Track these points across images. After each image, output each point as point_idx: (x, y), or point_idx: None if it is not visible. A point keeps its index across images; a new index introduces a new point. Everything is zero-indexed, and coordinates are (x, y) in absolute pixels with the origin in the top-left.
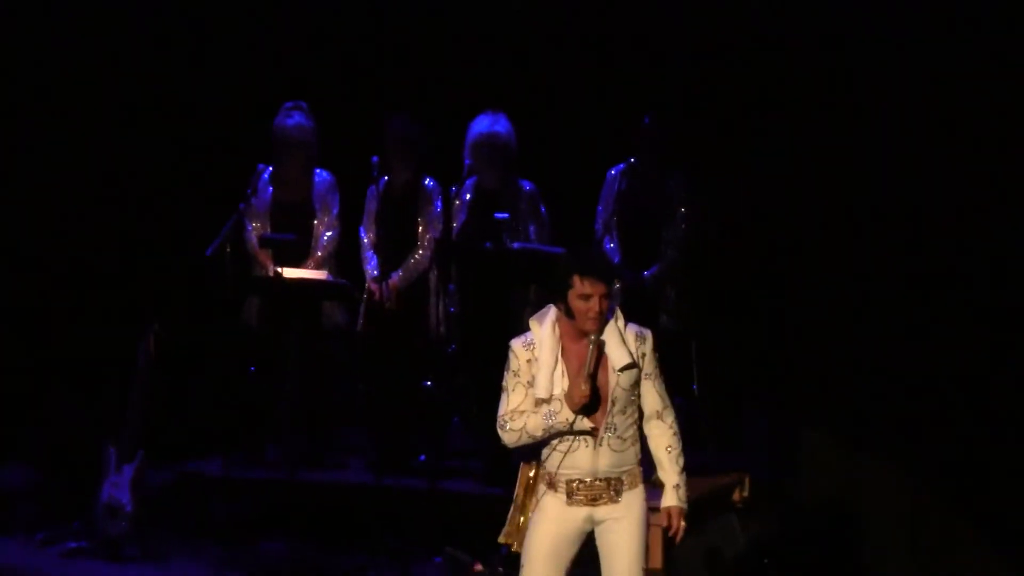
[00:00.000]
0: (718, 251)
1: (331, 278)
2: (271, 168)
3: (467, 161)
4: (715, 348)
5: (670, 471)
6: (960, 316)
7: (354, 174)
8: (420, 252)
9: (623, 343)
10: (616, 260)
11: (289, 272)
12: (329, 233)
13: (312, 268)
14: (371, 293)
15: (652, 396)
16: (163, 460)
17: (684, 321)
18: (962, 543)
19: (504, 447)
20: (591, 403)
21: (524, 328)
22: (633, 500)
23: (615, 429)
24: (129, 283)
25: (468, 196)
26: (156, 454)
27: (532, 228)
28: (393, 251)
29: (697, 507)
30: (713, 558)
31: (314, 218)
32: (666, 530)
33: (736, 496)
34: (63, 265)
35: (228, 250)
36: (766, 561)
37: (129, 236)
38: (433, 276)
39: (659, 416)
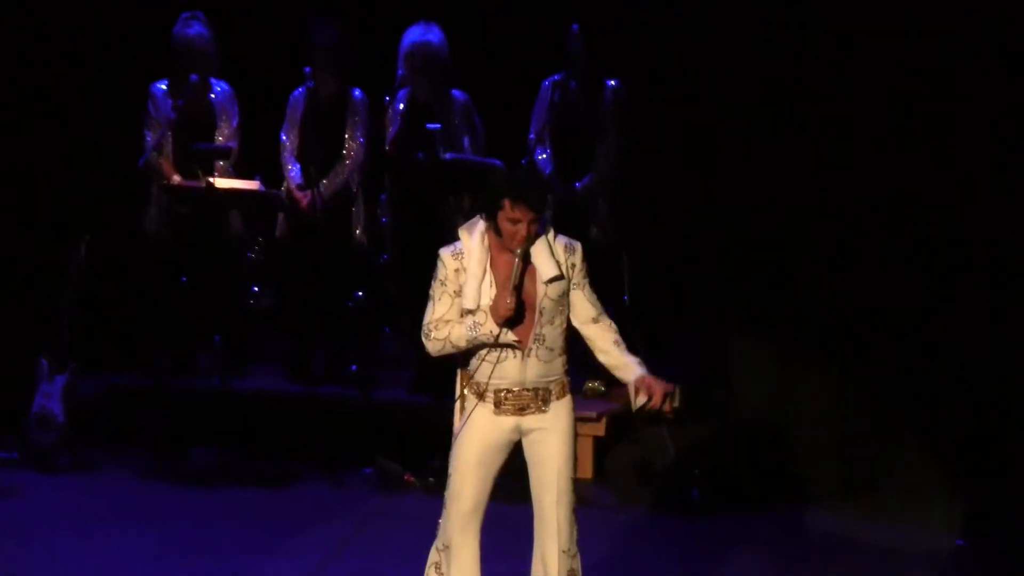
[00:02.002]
0: (650, 163)
1: (263, 187)
2: (166, 80)
3: (399, 72)
4: (646, 259)
5: (626, 356)
6: (890, 219)
7: (269, 83)
8: (347, 162)
9: (551, 255)
10: (548, 171)
11: (221, 182)
12: (230, 144)
13: (217, 176)
14: (294, 200)
15: (584, 304)
16: (93, 371)
17: (614, 232)
18: (894, 451)
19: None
20: (515, 316)
21: (453, 237)
22: (561, 410)
23: (543, 340)
24: (60, 194)
25: (401, 106)
26: (87, 365)
27: (466, 139)
28: (317, 159)
29: (627, 419)
30: (644, 469)
31: (215, 128)
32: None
33: (667, 407)
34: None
35: (161, 160)
36: (696, 472)
37: (58, 147)
38: (355, 184)
39: (595, 320)
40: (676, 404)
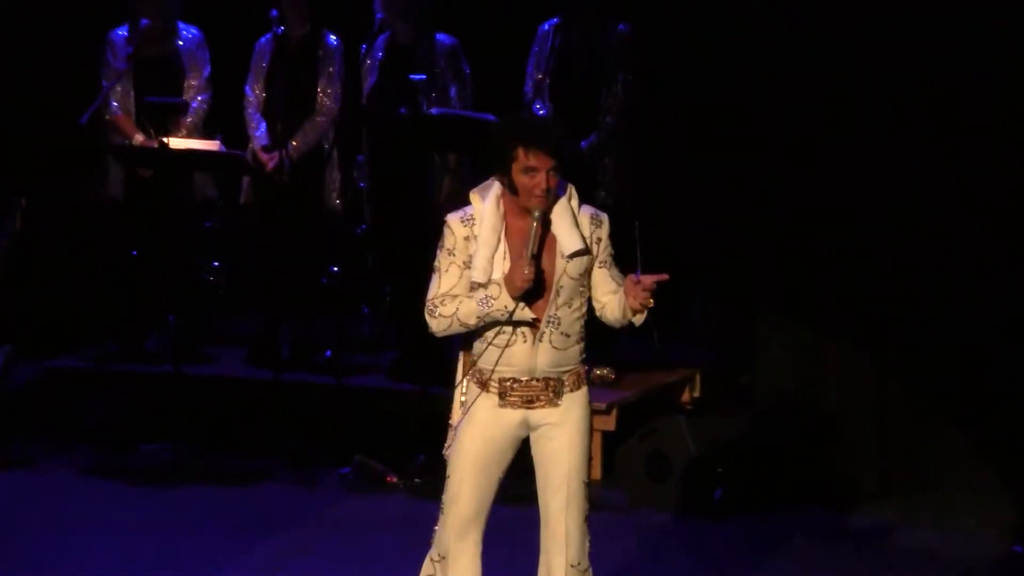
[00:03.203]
0: (662, 119)
1: (223, 148)
2: (127, 25)
3: (378, 15)
4: (659, 226)
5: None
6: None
7: (237, 28)
8: (319, 118)
9: (575, 226)
10: None
11: (176, 142)
12: (201, 97)
13: (184, 135)
14: (259, 162)
15: (606, 284)
16: (30, 354)
17: (625, 196)
18: (938, 447)
19: (430, 336)
20: (534, 289)
21: (444, 204)
22: (574, 404)
23: (558, 323)
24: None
25: (379, 55)
26: (22, 347)
27: (453, 89)
28: (285, 115)
29: (641, 408)
30: (659, 466)
31: (182, 79)
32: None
33: (685, 396)
34: None
35: (107, 117)
36: (719, 469)
37: None
38: (329, 144)
39: (613, 293)
40: (696, 394)
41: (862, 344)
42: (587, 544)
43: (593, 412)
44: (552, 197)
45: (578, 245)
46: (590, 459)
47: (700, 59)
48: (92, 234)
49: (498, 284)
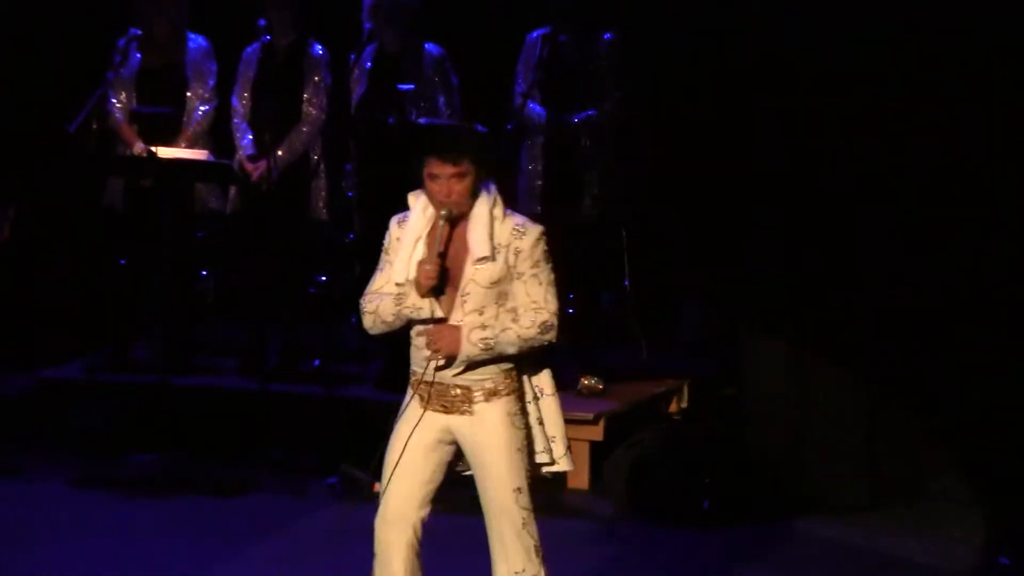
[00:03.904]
0: (650, 128)
1: (212, 157)
2: (138, 32)
3: (366, 25)
4: (646, 236)
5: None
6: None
7: (233, 40)
8: (304, 127)
9: (489, 233)
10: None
11: (164, 151)
12: (204, 107)
13: (185, 145)
14: (245, 172)
15: (519, 299)
16: (17, 364)
17: (612, 207)
18: (926, 458)
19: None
20: (440, 289)
21: None
22: (487, 415)
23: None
24: None
25: (368, 64)
26: (9, 357)
27: (441, 99)
28: (271, 125)
29: (628, 419)
30: (646, 476)
31: (187, 89)
32: None
33: (673, 407)
34: None
35: (94, 126)
36: (707, 480)
37: None
38: (316, 154)
39: (529, 309)
40: (683, 404)
41: (850, 356)
42: (532, 551)
43: (580, 422)
44: (467, 202)
45: (483, 252)
46: (529, 467)
47: (687, 67)
48: (84, 243)
49: (411, 283)
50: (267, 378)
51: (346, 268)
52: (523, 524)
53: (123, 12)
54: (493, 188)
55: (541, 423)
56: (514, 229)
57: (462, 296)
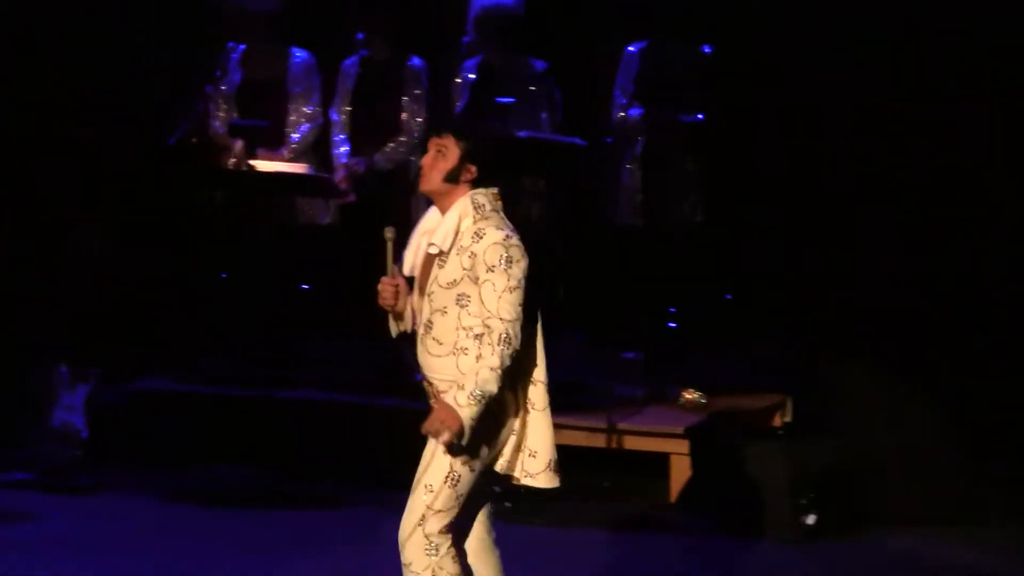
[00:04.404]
0: (744, 142)
1: (311, 171)
2: (243, 47)
3: (465, 39)
4: (743, 249)
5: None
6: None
7: (334, 54)
8: (402, 138)
9: (454, 229)
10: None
11: (262, 164)
12: (308, 124)
13: (289, 159)
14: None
15: (478, 305)
16: (115, 378)
17: (710, 217)
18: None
19: None
20: (396, 304)
21: (528, 225)
22: (437, 409)
23: (431, 327)
24: (77, 176)
25: (471, 76)
26: (109, 372)
27: (544, 115)
28: (370, 137)
29: (732, 432)
30: (750, 492)
31: (289, 103)
32: None
33: (776, 421)
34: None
35: (194, 140)
36: (811, 495)
37: (77, 123)
38: (415, 168)
39: (477, 338)
40: (787, 418)
41: (943, 373)
42: (423, 553)
43: (670, 435)
44: (439, 183)
45: (436, 241)
46: (452, 465)
47: (778, 82)
48: (183, 255)
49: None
50: (368, 392)
51: None
52: (421, 519)
53: (219, 26)
54: (482, 192)
55: (520, 436)
56: (475, 233)
57: (429, 293)
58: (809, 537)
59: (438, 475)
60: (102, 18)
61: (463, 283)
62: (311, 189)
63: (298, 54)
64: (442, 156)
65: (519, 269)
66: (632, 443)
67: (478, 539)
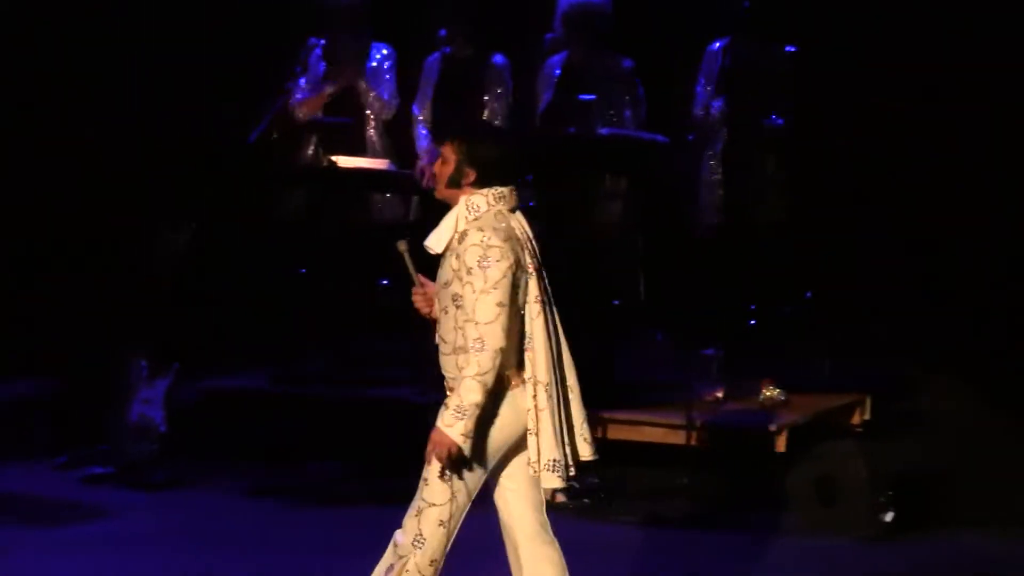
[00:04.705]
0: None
1: (393, 167)
2: (324, 42)
3: (548, 35)
4: (828, 247)
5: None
6: None
7: (417, 48)
8: None
9: (449, 230)
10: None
11: (345, 161)
12: (385, 117)
13: (369, 155)
14: (422, 174)
15: (460, 306)
16: (196, 373)
17: (792, 216)
18: None
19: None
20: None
21: (608, 223)
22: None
23: (439, 327)
24: (158, 174)
25: (556, 72)
26: (187, 367)
27: (627, 112)
28: (454, 136)
29: (809, 430)
30: (827, 490)
31: (367, 98)
32: None
33: (856, 419)
34: (80, 155)
35: (274, 136)
36: (890, 493)
37: (156, 122)
38: None
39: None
40: (866, 416)
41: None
42: (412, 538)
43: (754, 433)
44: (443, 188)
45: (431, 243)
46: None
47: (868, 81)
48: (264, 253)
49: None
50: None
51: None
52: (417, 512)
53: (300, 22)
54: (482, 194)
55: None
56: (462, 234)
57: (436, 294)
58: (887, 535)
59: (432, 467)
60: (183, 16)
61: (454, 284)
62: (392, 185)
63: (378, 49)
64: (444, 163)
65: (497, 271)
66: (711, 440)
67: (533, 533)
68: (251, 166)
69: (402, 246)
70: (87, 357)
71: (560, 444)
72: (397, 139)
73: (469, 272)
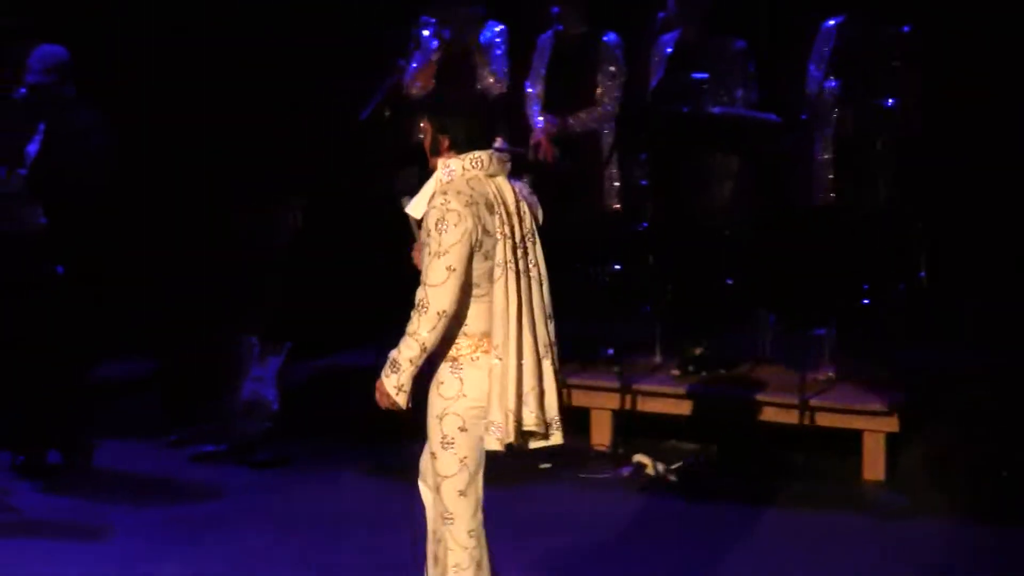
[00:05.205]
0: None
1: (504, 145)
2: (435, 20)
3: (661, 14)
4: (939, 230)
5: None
6: None
7: (530, 26)
8: (599, 110)
9: (426, 195)
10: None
11: None
12: (496, 93)
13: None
14: (536, 147)
15: None
16: (305, 353)
17: (906, 197)
18: None
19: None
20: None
21: (720, 204)
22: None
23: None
24: (268, 152)
25: (668, 51)
26: (298, 345)
27: (739, 92)
28: (565, 112)
29: (925, 411)
30: (941, 468)
31: (480, 74)
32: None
33: (972, 397)
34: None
35: (387, 113)
36: (1005, 473)
37: (267, 99)
38: (608, 142)
39: None
40: (984, 394)
41: None
42: (440, 516)
43: (875, 414)
44: (428, 159)
45: (411, 205)
46: (445, 434)
47: (983, 61)
48: (376, 232)
49: None
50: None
51: (638, 258)
52: (437, 488)
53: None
54: (458, 159)
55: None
56: (431, 195)
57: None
58: (1002, 515)
59: (435, 441)
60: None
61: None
62: None
63: (490, 28)
64: (424, 136)
65: (452, 235)
66: (825, 420)
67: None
68: (363, 143)
69: (406, 202)
70: (197, 336)
71: (503, 408)
72: (510, 118)
73: (428, 234)
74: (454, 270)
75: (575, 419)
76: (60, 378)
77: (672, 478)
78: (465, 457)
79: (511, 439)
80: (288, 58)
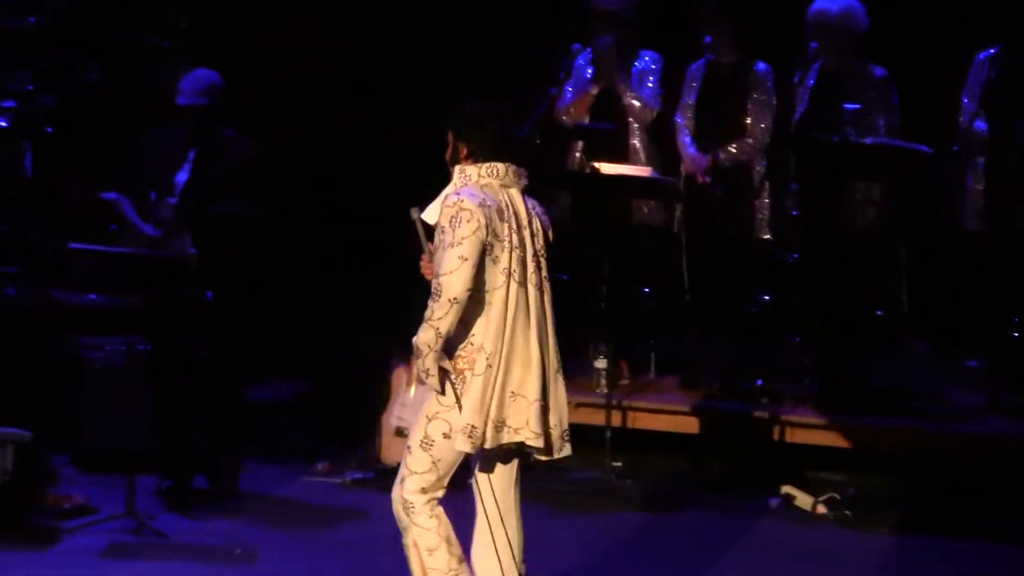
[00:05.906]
0: None
1: (656, 175)
2: (588, 49)
3: (812, 44)
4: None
5: None
6: None
7: (681, 56)
8: (749, 140)
9: (438, 202)
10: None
11: (607, 167)
12: (647, 120)
13: (632, 163)
14: (690, 176)
15: None
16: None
17: (989, 223)
18: None
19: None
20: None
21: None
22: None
23: None
24: (421, 171)
25: (811, 82)
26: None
27: (880, 121)
28: (715, 141)
29: None
30: None
31: (630, 105)
32: None
33: None
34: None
35: (537, 140)
36: None
37: (410, 121)
38: (759, 172)
39: None
40: None
41: None
42: (402, 505)
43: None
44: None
45: (427, 211)
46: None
47: None
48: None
49: None
50: (706, 397)
51: (788, 288)
52: (402, 479)
53: (567, 27)
54: (474, 165)
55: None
56: (443, 202)
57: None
58: None
59: (416, 437)
60: (452, 18)
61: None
62: (654, 192)
63: (645, 56)
64: (447, 147)
65: (466, 228)
66: (966, 450)
67: (512, 502)
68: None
69: (415, 213)
70: (345, 360)
71: (483, 413)
72: (663, 147)
73: (443, 231)
74: (466, 259)
75: (715, 446)
76: (209, 402)
77: (822, 510)
78: (439, 460)
79: (487, 444)
80: (443, 82)
